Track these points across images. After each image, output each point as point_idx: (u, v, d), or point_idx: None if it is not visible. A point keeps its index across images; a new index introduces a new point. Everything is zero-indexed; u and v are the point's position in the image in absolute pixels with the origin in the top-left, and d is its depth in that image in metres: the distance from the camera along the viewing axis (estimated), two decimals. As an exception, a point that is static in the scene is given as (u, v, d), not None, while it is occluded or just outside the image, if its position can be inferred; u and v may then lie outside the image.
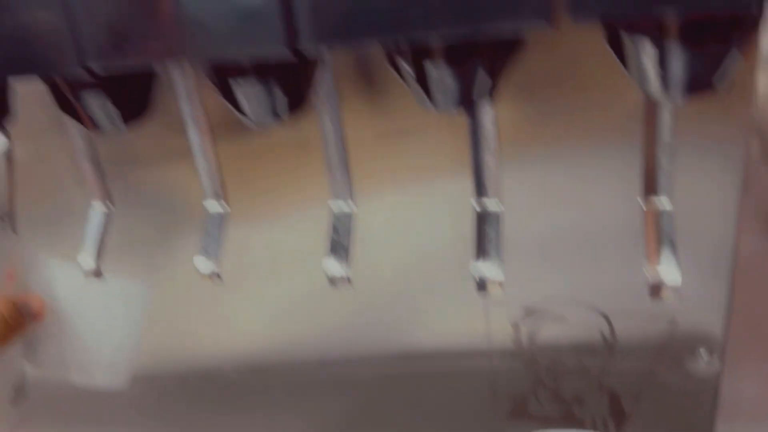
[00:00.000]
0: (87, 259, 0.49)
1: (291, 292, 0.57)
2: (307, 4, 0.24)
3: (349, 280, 0.43)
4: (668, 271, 0.39)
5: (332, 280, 0.43)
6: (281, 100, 0.31)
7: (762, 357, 0.60)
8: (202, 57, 0.25)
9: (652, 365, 0.55)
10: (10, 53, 0.27)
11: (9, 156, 0.42)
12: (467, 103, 0.29)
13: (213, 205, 0.48)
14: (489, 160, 0.40)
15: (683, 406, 0.56)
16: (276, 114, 0.32)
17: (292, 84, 0.31)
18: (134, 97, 0.34)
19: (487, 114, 0.38)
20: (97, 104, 0.33)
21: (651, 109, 0.39)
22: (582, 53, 0.40)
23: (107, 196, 0.50)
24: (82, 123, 0.34)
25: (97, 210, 0.50)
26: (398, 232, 0.50)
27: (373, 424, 0.60)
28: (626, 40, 0.29)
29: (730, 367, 0.54)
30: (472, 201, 0.42)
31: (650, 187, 0.41)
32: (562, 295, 0.54)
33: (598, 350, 0.56)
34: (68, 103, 0.34)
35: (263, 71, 0.30)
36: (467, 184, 0.44)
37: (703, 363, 0.54)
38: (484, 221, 0.41)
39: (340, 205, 0.44)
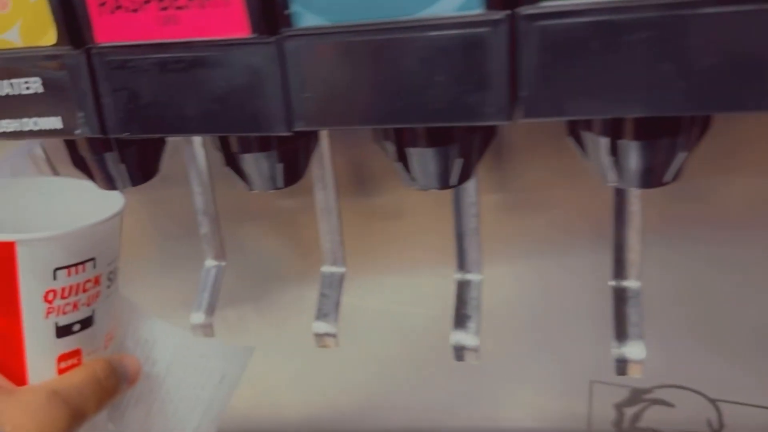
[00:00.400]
0: (199, 315, 0.48)
1: (382, 357, 0.56)
2: (538, 77, 0.23)
3: (477, 352, 0.42)
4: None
5: (459, 353, 0.42)
6: (457, 168, 0.31)
7: None
8: (414, 124, 0.25)
9: (759, 458, 0.53)
10: (217, 110, 0.27)
11: (122, 215, 0.41)
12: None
13: (330, 267, 0.47)
14: (632, 238, 0.39)
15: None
16: (446, 181, 0.32)
17: (468, 152, 0.31)
18: (298, 157, 0.34)
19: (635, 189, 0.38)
20: (267, 163, 0.33)
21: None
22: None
23: (221, 252, 0.50)
24: (244, 180, 0.34)
25: (211, 266, 0.50)
26: (503, 303, 0.50)
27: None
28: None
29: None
30: (611, 281, 0.41)
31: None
32: (672, 379, 0.52)
33: (703, 439, 0.54)
34: (233, 159, 0.34)
35: (444, 139, 0.30)
36: (594, 257, 0.43)
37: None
38: (623, 301, 0.40)
39: (465, 276, 0.43)
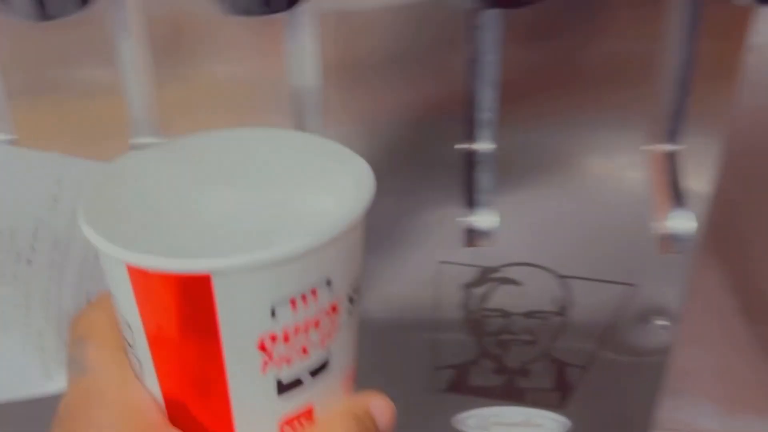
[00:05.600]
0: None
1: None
2: None
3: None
4: (681, 221, 0.35)
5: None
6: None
7: (712, 330, 0.59)
8: None
9: (604, 335, 0.53)
10: None
11: None
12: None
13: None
14: (488, 92, 0.34)
15: (631, 377, 0.53)
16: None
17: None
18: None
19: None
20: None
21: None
22: None
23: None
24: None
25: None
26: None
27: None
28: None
29: (680, 339, 0.52)
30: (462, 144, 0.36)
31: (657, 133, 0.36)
32: (520, 257, 0.50)
33: (552, 318, 0.53)
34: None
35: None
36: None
37: (656, 334, 0.51)
38: (474, 166, 0.35)
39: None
